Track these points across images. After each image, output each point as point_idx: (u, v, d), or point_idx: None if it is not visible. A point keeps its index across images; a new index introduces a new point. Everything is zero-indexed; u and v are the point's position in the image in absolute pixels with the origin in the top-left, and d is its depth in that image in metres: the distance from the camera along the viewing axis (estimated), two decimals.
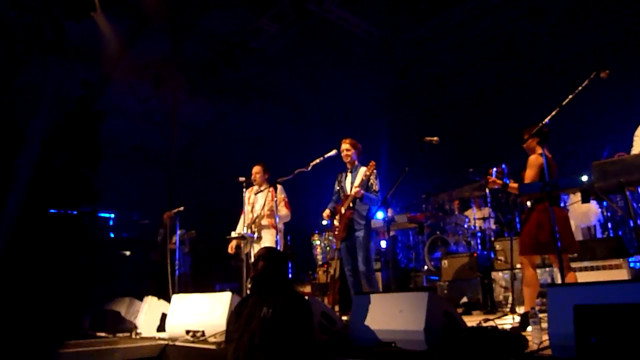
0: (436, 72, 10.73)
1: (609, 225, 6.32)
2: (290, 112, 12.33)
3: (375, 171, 5.21)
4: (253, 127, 11.82)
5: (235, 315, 3.48)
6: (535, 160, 4.19)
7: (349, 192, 5.23)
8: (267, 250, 3.63)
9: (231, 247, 5.89)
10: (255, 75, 10.63)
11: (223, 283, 9.32)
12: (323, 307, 4.08)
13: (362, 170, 5.27)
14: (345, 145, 5.33)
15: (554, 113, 3.78)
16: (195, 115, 11.11)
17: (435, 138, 4.55)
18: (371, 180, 5.16)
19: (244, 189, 5.86)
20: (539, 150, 4.11)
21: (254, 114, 11.58)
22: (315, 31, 8.98)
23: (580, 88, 3.73)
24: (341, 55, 10.09)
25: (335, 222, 5.32)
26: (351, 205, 5.14)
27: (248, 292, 4.89)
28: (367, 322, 3.54)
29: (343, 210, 5.18)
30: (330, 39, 9.45)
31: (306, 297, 3.60)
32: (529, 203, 4.34)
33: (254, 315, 3.26)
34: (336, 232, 5.30)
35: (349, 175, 5.38)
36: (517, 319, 4.54)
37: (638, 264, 5.25)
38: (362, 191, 5.04)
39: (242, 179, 5.71)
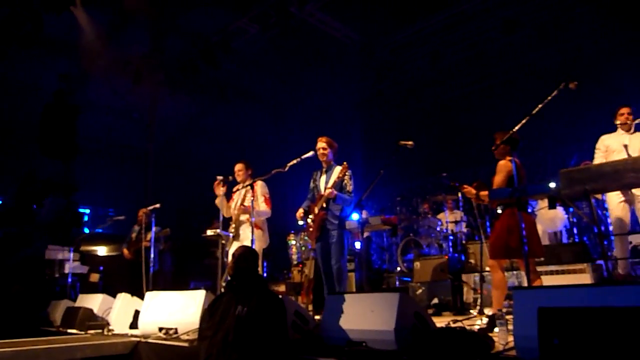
0: (412, 78, 10.94)
1: (575, 230, 6.53)
2: (269, 111, 12.37)
3: (349, 172, 5.18)
4: (231, 126, 11.81)
5: (208, 313, 3.51)
6: (504, 165, 4.29)
7: (322, 192, 5.21)
8: (243, 249, 3.66)
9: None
10: (235, 74, 10.64)
11: (198, 281, 9.30)
12: (296, 306, 4.13)
13: (337, 170, 5.27)
14: (321, 144, 5.28)
15: (524, 121, 3.91)
16: (174, 112, 11.05)
17: (410, 142, 4.64)
18: (345, 181, 5.12)
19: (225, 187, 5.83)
20: (509, 156, 4.23)
21: (233, 112, 11.57)
22: (296, 33, 9.03)
23: (549, 98, 3.87)
24: (320, 58, 10.18)
25: (309, 221, 5.30)
26: (324, 205, 5.12)
27: (222, 290, 4.94)
28: (339, 322, 3.61)
29: (316, 210, 5.16)
30: (310, 41, 9.54)
31: (280, 296, 3.65)
32: (499, 209, 4.45)
33: (229, 313, 3.29)
34: (310, 231, 5.28)
35: (324, 174, 5.34)
36: (485, 320, 4.68)
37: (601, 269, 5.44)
38: (334, 192, 5.00)
39: (220, 177, 5.71)
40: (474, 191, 4.54)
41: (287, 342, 3.42)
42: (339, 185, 5.12)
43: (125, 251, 7.76)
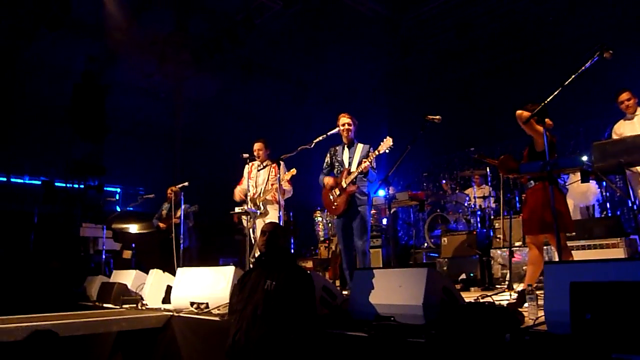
0: (439, 51, 10.70)
1: (608, 205, 6.38)
2: (293, 88, 12.33)
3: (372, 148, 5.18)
4: (256, 103, 11.84)
5: (238, 288, 3.58)
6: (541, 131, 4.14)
7: (349, 167, 5.18)
8: (271, 225, 3.70)
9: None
10: (259, 52, 10.61)
11: (227, 257, 9.47)
12: (324, 281, 4.16)
13: (361, 147, 5.25)
14: (345, 119, 5.25)
15: (556, 93, 3.79)
16: (200, 91, 11.12)
17: (437, 117, 4.56)
18: (371, 157, 5.15)
19: (246, 165, 5.93)
20: (540, 128, 4.10)
21: (258, 90, 11.58)
22: (319, 8, 8.92)
23: (583, 68, 3.73)
24: (344, 33, 10.04)
25: (330, 197, 5.27)
26: (354, 180, 5.12)
27: (251, 265, 5.02)
28: (367, 297, 3.63)
29: (344, 185, 5.13)
30: (334, 16, 9.40)
31: (308, 272, 3.69)
32: (530, 183, 4.36)
33: (258, 287, 3.35)
34: (333, 207, 5.23)
35: (347, 150, 5.33)
36: (515, 295, 4.65)
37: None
38: (369, 165, 4.99)
39: (245, 155, 5.76)
40: (496, 161, 4.45)
41: (315, 317, 3.47)
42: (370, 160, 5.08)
43: (162, 224, 7.94)
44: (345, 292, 4.82)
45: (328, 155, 5.44)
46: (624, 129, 5.35)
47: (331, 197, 5.25)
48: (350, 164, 5.21)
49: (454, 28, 9.84)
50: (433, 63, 11.05)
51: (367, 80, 11.60)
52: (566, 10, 8.85)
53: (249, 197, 5.95)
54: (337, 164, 5.32)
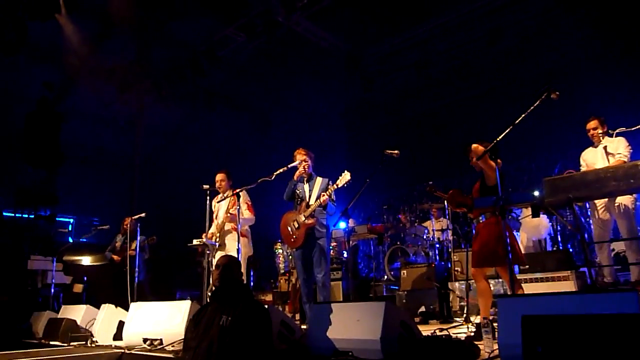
0: (398, 87, 11.04)
1: (559, 238, 6.60)
2: (255, 120, 12.36)
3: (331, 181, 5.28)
4: (218, 134, 11.79)
5: (193, 324, 3.48)
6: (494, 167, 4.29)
7: (307, 201, 5.24)
8: (225, 258, 3.65)
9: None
10: (222, 82, 10.64)
11: (184, 291, 9.22)
12: (283, 316, 4.11)
13: (320, 180, 5.32)
14: (301, 156, 5.35)
15: (507, 131, 3.95)
16: (161, 121, 11.00)
17: (395, 151, 4.67)
18: (329, 191, 5.21)
19: (208, 197, 5.85)
20: (493, 163, 4.24)
21: (219, 120, 11.55)
22: (283, 42, 9.07)
23: (532, 108, 3.92)
24: (306, 67, 10.23)
25: (289, 229, 5.30)
26: (312, 213, 5.17)
27: (208, 300, 4.90)
28: (325, 331, 3.60)
29: (303, 218, 5.18)
30: (297, 50, 9.58)
31: (266, 306, 3.63)
32: (482, 217, 4.45)
33: (213, 323, 3.27)
34: (292, 240, 5.26)
35: (306, 184, 5.40)
36: (472, 328, 4.70)
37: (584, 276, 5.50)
38: (327, 199, 5.07)
39: (206, 186, 5.69)
40: (446, 195, 4.56)
41: (272, 352, 3.40)
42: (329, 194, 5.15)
43: (115, 257, 7.66)
44: (304, 327, 4.76)
45: (288, 189, 5.48)
46: (587, 156, 5.57)
47: (289, 229, 5.28)
48: (309, 197, 5.26)
49: (413, 65, 10.18)
50: (393, 98, 11.36)
51: (328, 114, 11.80)
52: (520, 52, 9.35)
53: (209, 231, 5.86)
54: (296, 197, 5.36)
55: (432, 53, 9.88)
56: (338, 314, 3.66)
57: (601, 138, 5.40)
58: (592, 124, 5.45)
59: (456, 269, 6.54)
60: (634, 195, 5.14)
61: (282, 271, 8.47)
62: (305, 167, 5.33)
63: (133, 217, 6.84)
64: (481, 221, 4.39)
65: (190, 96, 10.74)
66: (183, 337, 4.26)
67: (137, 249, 6.78)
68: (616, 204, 5.31)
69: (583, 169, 5.60)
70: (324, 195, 5.09)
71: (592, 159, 5.47)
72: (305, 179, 5.40)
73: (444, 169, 10.02)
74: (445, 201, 4.87)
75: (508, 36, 8.96)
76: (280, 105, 11.86)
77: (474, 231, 6.74)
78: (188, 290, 9.22)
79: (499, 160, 3.94)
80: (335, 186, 5.13)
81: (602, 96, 7.79)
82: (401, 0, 8.58)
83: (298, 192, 5.36)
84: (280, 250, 8.74)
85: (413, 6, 8.77)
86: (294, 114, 12.04)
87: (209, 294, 5.40)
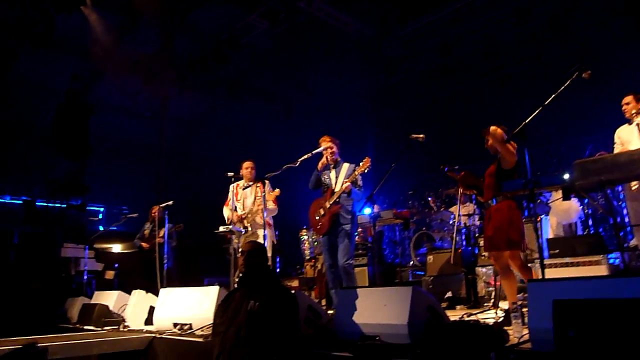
0: (423, 71, 10.85)
1: (590, 222, 6.45)
2: (279, 107, 12.39)
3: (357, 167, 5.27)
4: (241, 122, 11.86)
5: (222, 309, 3.53)
6: (512, 148, 4.23)
7: (334, 188, 5.25)
8: (250, 244, 3.68)
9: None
10: (245, 70, 10.67)
11: (211, 277, 9.36)
12: (309, 301, 4.14)
13: (346, 166, 5.31)
14: (326, 144, 5.34)
15: (536, 112, 3.86)
16: (185, 110, 11.12)
17: (421, 135, 4.62)
18: (353, 176, 5.20)
19: (231, 184, 5.91)
20: (511, 148, 4.21)
21: (243, 109, 11.61)
22: (305, 28, 9.01)
23: (562, 88, 3.81)
24: (330, 53, 10.15)
25: (316, 216, 5.33)
26: (337, 199, 5.17)
27: (235, 286, 4.96)
28: (352, 316, 3.61)
29: (328, 205, 5.20)
30: (319, 36, 9.50)
31: (293, 291, 3.66)
32: (493, 201, 4.36)
33: (241, 308, 3.31)
34: (318, 227, 5.30)
35: (333, 170, 5.40)
36: (500, 313, 4.65)
37: (617, 260, 5.37)
38: (350, 185, 5.08)
39: (230, 174, 5.74)
40: (457, 176, 4.49)
41: (299, 337, 3.43)
42: (352, 179, 5.16)
43: (144, 244, 7.82)
44: (330, 312, 4.79)
45: (312, 176, 5.49)
46: (622, 133, 5.39)
47: (317, 216, 5.29)
48: (335, 184, 5.26)
49: (437, 48, 10.00)
50: (417, 82, 11.19)
51: (352, 99, 11.70)
52: (547, 32, 9.06)
53: (235, 217, 5.93)
54: (323, 185, 5.38)
55: (456, 36, 9.68)
56: (365, 299, 3.66)
57: (635, 115, 5.22)
58: (627, 99, 5.24)
59: (483, 254, 6.47)
60: None
61: (307, 257, 8.52)
62: (331, 154, 5.32)
63: (160, 205, 6.96)
64: (492, 205, 4.32)
65: (213, 85, 10.81)
66: (212, 322, 4.33)
67: (165, 237, 6.90)
68: None
69: (617, 146, 5.42)
70: (346, 182, 5.10)
71: (627, 137, 5.28)
72: (331, 165, 5.39)
73: (469, 153, 9.84)
74: (458, 182, 4.79)
75: (535, 15, 8.69)
76: (303, 92, 11.84)
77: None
78: (215, 277, 9.36)
79: (513, 144, 3.88)
80: (356, 173, 5.11)
81: (636, 74, 7.52)
82: None
83: (324, 179, 5.37)
84: (306, 237, 8.78)
85: None
86: (317, 101, 12.01)
87: (236, 280, 5.48)
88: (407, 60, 10.65)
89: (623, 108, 5.28)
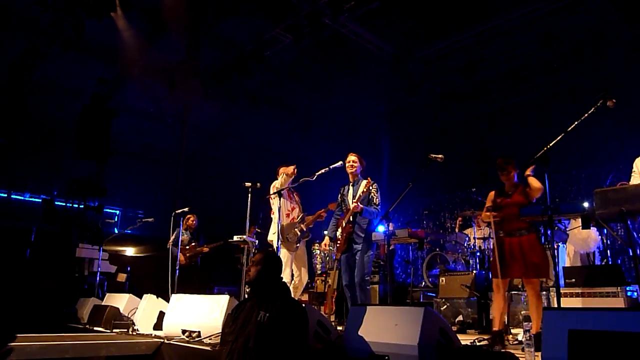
0: (444, 91, 10.84)
1: (608, 253, 6.32)
2: (298, 121, 12.46)
3: (375, 185, 5.29)
4: (260, 133, 11.94)
5: (231, 318, 3.53)
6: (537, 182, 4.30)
7: (350, 206, 5.26)
8: (264, 254, 3.67)
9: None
10: (267, 82, 10.77)
11: (221, 286, 9.37)
12: (319, 316, 4.11)
13: (363, 183, 5.32)
14: (352, 157, 5.39)
15: (558, 138, 3.83)
16: (206, 119, 11.25)
17: (440, 156, 4.60)
18: (372, 194, 5.20)
19: (249, 195, 5.91)
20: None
21: (263, 120, 11.71)
22: (328, 44, 9.09)
23: (586, 115, 3.78)
24: (352, 69, 10.21)
25: (338, 234, 5.36)
26: (351, 219, 5.18)
27: (246, 296, 4.96)
28: (362, 334, 3.57)
29: (344, 224, 5.21)
30: (342, 52, 9.58)
31: (303, 305, 3.64)
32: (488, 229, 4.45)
33: (250, 319, 3.30)
34: (338, 244, 5.34)
35: (351, 188, 5.42)
36: (512, 340, 4.58)
37: (635, 293, 5.25)
38: (360, 206, 5.09)
39: (248, 184, 5.75)
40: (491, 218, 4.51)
41: (308, 351, 3.40)
42: (365, 198, 5.21)
43: (182, 257, 7.38)
44: (340, 328, 4.76)
45: (339, 195, 5.52)
46: None
47: (338, 234, 5.38)
48: (351, 202, 5.28)
49: (459, 69, 10.00)
50: (437, 103, 11.18)
51: (371, 116, 11.73)
52: (571, 58, 9.01)
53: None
54: (342, 203, 5.40)
55: (479, 58, 9.67)
56: (376, 317, 3.62)
57: None
58: None
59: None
60: None
61: (318, 272, 8.48)
62: (352, 168, 5.34)
63: (193, 215, 7.02)
64: (524, 233, 4.34)
65: (235, 95, 10.92)
66: (220, 330, 4.33)
67: (179, 242, 6.95)
68: None
69: (635, 175, 5.34)
70: (354, 202, 5.16)
71: None
72: (351, 182, 5.43)
73: (486, 176, 9.79)
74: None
75: (560, 41, 8.66)
76: (323, 107, 11.91)
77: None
78: (225, 286, 9.36)
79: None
80: (361, 194, 5.15)
81: None
82: (449, 4, 8.44)
83: (345, 197, 5.40)
84: (318, 251, 8.75)
85: (461, 10, 8.61)
86: (336, 116, 12.07)
87: (247, 290, 5.47)
88: (428, 80, 10.67)
89: None
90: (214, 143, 11.88)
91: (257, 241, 5.82)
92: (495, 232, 4.48)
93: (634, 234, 5.93)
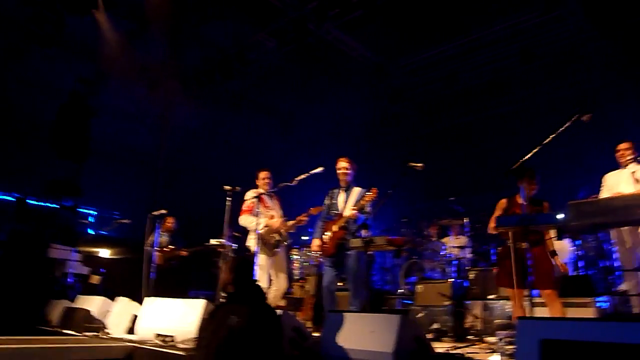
0: (426, 101, 10.96)
1: (580, 264, 6.45)
2: (280, 125, 12.43)
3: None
4: (241, 137, 11.88)
5: (206, 323, 3.49)
6: None
7: (341, 211, 5.26)
8: (238, 258, 3.65)
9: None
10: (250, 86, 10.73)
11: (197, 290, 9.26)
12: (295, 322, 4.09)
13: (357, 190, 5.32)
14: (344, 164, 5.40)
15: (535, 150, 3.90)
16: (187, 121, 11.13)
17: (420, 164, 4.65)
18: (360, 204, 5.21)
19: (228, 198, 5.87)
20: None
21: (244, 123, 11.64)
22: (312, 49, 9.11)
23: (562, 129, 3.87)
24: (335, 75, 10.25)
25: (325, 238, 5.33)
26: (344, 224, 5.19)
27: (222, 300, 4.91)
28: (338, 340, 3.57)
29: (335, 228, 5.21)
30: (326, 58, 9.61)
31: (280, 311, 3.62)
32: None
33: (223, 323, 3.27)
34: (324, 247, 5.31)
35: (342, 193, 5.41)
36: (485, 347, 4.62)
37: (606, 304, 5.36)
38: (358, 214, 5.10)
39: (227, 187, 5.71)
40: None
41: (281, 357, 3.38)
42: (361, 208, 5.20)
43: (159, 258, 7.36)
44: (316, 334, 4.74)
45: (327, 197, 5.51)
46: (610, 179, 5.46)
47: (325, 237, 5.35)
48: (344, 207, 5.28)
49: (441, 79, 10.14)
50: (419, 112, 11.31)
51: (353, 122, 11.79)
52: (551, 72, 9.24)
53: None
54: (332, 207, 5.40)
55: (461, 69, 9.83)
56: (352, 324, 3.63)
57: (629, 162, 5.30)
58: (625, 145, 5.38)
59: (473, 287, 6.44)
60: None
61: (296, 277, 8.45)
62: (345, 175, 5.35)
63: (173, 218, 6.92)
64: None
65: (217, 98, 10.85)
66: (195, 335, 4.27)
67: (155, 245, 6.86)
68: None
69: (603, 190, 5.49)
70: (353, 209, 5.14)
71: (615, 182, 5.37)
72: (343, 188, 5.42)
73: (465, 186, 9.90)
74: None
75: (540, 55, 8.86)
76: (305, 112, 11.91)
77: (492, 250, 6.66)
78: (201, 290, 9.24)
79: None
80: (362, 203, 5.14)
81: (635, 121, 7.63)
82: (433, 15, 8.54)
83: (334, 201, 5.39)
84: (297, 257, 8.72)
85: (444, 22, 8.73)
86: (318, 121, 12.07)
87: (222, 294, 5.42)
88: (410, 89, 10.78)
89: (620, 153, 5.36)
90: (193, 145, 11.75)
91: (235, 245, 5.76)
92: (512, 242, 4.32)
93: (605, 245, 6.10)
